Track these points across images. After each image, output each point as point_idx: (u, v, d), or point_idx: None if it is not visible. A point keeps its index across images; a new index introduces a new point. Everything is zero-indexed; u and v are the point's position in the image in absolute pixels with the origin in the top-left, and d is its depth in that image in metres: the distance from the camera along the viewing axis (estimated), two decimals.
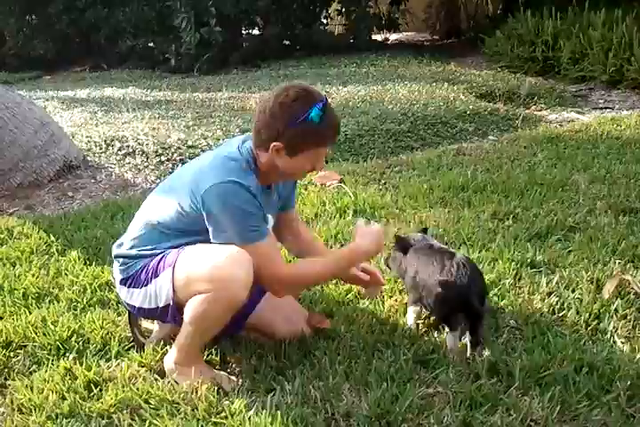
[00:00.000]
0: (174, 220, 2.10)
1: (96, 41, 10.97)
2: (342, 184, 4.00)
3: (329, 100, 2.09)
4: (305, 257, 2.40)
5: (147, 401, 1.99)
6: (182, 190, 2.09)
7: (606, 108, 6.45)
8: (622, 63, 6.85)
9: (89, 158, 4.98)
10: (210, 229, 2.03)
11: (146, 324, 2.44)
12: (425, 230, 2.55)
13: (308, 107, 1.98)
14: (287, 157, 2.05)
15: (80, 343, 2.34)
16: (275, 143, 2.02)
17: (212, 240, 2.03)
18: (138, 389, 2.05)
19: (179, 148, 4.86)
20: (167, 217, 2.12)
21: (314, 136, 2.02)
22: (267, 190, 2.17)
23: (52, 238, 3.37)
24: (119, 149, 5.00)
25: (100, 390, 2.08)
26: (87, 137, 5.32)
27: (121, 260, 2.19)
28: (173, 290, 2.04)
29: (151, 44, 10.50)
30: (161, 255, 2.11)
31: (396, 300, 2.55)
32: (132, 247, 2.17)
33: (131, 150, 4.94)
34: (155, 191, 2.29)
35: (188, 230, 2.10)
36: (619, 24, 7.10)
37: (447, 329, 2.18)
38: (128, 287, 2.16)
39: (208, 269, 1.96)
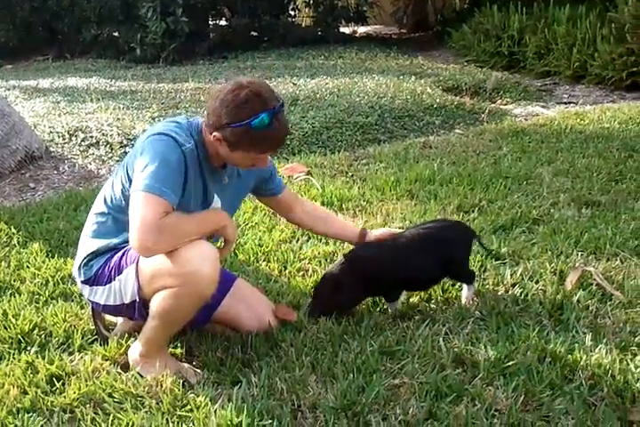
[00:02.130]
0: (126, 196, 2.05)
1: (59, 30, 10.76)
2: (310, 176, 4.00)
3: (285, 105, 2.03)
4: (327, 222, 2.53)
5: (110, 395, 1.97)
6: (128, 161, 2.07)
7: (570, 102, 6.53)
8: (586, 59, 6.95)
9: (52, 149, 4.90)
10: None
11: (109, 316, 2.40)
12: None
13: (254, 113, 1.93)
14: (227, 148, 2.01)
15: (42, 337, 2.30)
16: (216, 133, 1.99)
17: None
18: (101, 382, 2.02)
19: None
20: (117, 195, 2.09)
21: (254, 141, 1.97)
22: (217, 169, 2.14)
23: (14, 230, 3.31)
24: (83, 140, 4.92)
25: (63, 384, 2.05)
26: (50, 127, 5.22)
27: (81, 262, 2.15)
28: (139, 286, 2.02)
29: (116, 34, 10.32)
30: (122, 251, 2.09)
31: None
32: (89, 243, 2.14)
33: (94, 141, 4.87)
34: None
35: None
36: (582, 20, 7.18)
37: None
38: (91, 286, 2.14)
39: (174, 264, 1.92)
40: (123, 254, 2.08)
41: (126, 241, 2.07)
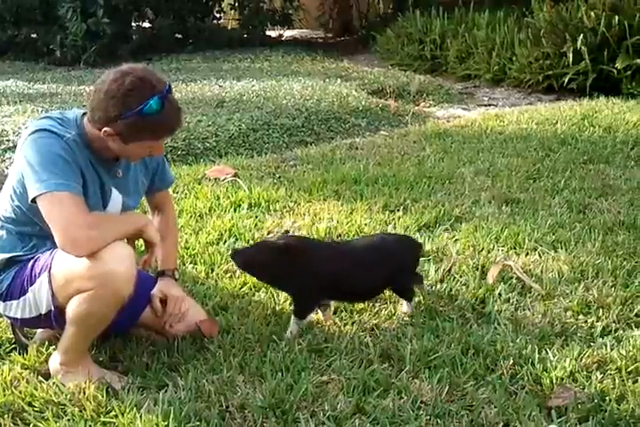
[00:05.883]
0: (13, 207, 1.99)
1: None
2: (237, 178, 3.97)
3: (172, 88, 1.95)
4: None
5: (30, 404, 1.90)
6: (12, 169, 2.00)
7: (490, 104, 6.74)
8: (505, 62, 7.19)
9: None
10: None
11: None
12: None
13: (143, 99, 1.84)
14: (120, 142, 1.92)
15: None
16: (106, 129, 1.89)
17: (29, 197, 1.87)
18: (20, 392, 1.95)
19: None
20: (7, 207, 2.01)
21: (148, 129, 1.90)
22: (108, 162, 2.05)
23: None
24: None
25: None
26: None
27: None
28: (52, 293, 1.95)
29: (34, 35, 9.98)
30: (32, 261, 2.01)
31: None
32: None
33: (11, 145, 4.69)
34: None
35: (24, 220, 1.99)
36: (501, 25, 7.44)
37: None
38: (4, 301, 2.06)
39: (87, 266, 1.86)
40: (33, 264, 2.00)
41: (27, 253, 2.01)
